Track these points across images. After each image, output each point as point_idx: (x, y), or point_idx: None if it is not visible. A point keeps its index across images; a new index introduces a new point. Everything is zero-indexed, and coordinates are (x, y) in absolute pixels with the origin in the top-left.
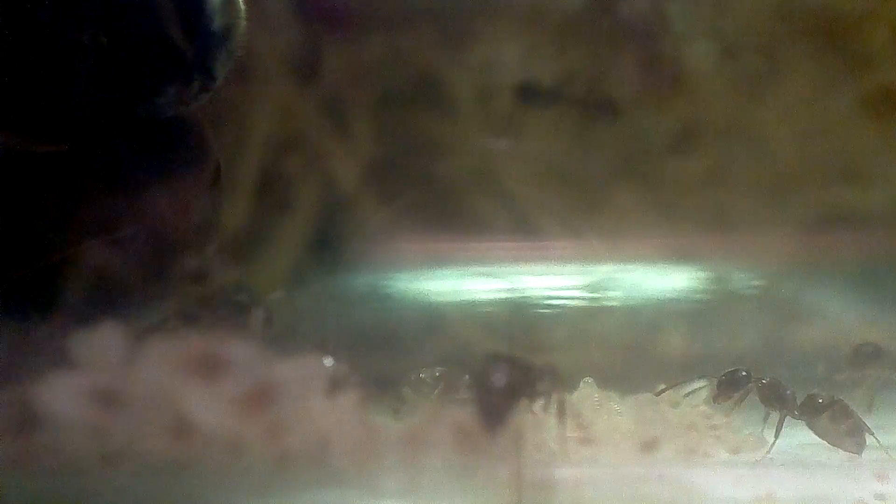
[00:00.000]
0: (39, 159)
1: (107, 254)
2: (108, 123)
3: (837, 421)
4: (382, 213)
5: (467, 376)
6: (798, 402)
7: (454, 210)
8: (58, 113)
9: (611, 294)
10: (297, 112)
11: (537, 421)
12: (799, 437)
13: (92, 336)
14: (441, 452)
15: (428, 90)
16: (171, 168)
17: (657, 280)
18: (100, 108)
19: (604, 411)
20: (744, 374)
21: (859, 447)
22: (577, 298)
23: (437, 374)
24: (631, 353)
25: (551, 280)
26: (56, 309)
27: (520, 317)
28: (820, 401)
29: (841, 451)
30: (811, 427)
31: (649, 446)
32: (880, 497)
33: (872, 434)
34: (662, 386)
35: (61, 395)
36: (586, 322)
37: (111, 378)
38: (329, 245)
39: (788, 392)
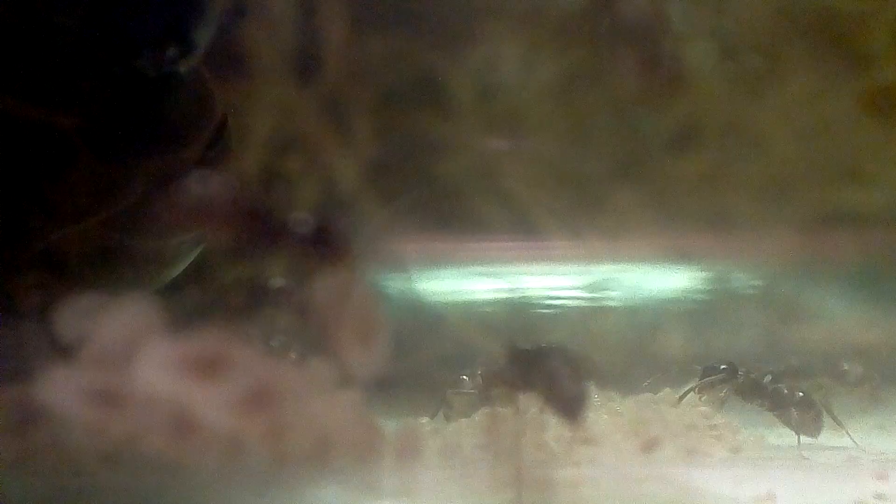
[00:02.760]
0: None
1: (102, 236)
2: (87, 85)
3: (804, 412)
4: (382, 213)
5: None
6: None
7: (454, 210)
8: (36, 73)
9: (611, 294)
10: (297, 112)
11: (537, 421)
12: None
13: (92, 332)
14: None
15: (428, 90)
16: (165, 130)
17: (657, 280)
18: (76, 69)
19: (604, 411)
20: (724, 367)
21: (817, 431)
22: (577, 298)
23: (479, 373)
24: (631, 353)
25: (551, 280)
26: (55, 303)
27: (520, 317)
28: (785, 392)
29: (841, 451)
30: (779, 418)
31: (649, 446)
32: (880, 497)
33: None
34: (665, 388)
35: (61, 394)
36: (586, 322)
37: (111, 376)
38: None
39: (768, 387)
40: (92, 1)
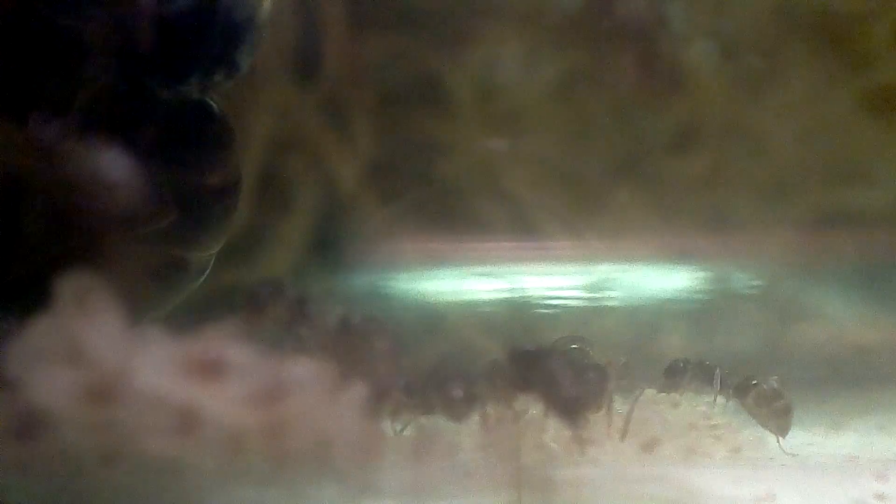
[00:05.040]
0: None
1: (117, 250)
2: (130, 110)
3: (762, 403)
4: (382, 213)
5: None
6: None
7: (454, 210)
8: (75, 96)
9: (611, 294)
10: (297, 112)
11: (537, 421)
12: (799, 437)
13: (93, 333)
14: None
15: (428, 90)
16: (197, 159)
17: (657, 280)
18: (122, 93)
19: (604, 411)
20: (681, 364)
21: (782, 430)
22: (577, 298)
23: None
24: (631, 353)
25: (551, 280)
26: (57, 306)
27: (520, 317)
28: (754, 382)
29: (841, 451)
30: (745, 408)
31: (649, 446)
32: (880, 497)
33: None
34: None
35: (61, 394)
36: (586, 322)
37: (112, 376)
38: (329, 245)
39: (717, 374)
40: (145, 27)
